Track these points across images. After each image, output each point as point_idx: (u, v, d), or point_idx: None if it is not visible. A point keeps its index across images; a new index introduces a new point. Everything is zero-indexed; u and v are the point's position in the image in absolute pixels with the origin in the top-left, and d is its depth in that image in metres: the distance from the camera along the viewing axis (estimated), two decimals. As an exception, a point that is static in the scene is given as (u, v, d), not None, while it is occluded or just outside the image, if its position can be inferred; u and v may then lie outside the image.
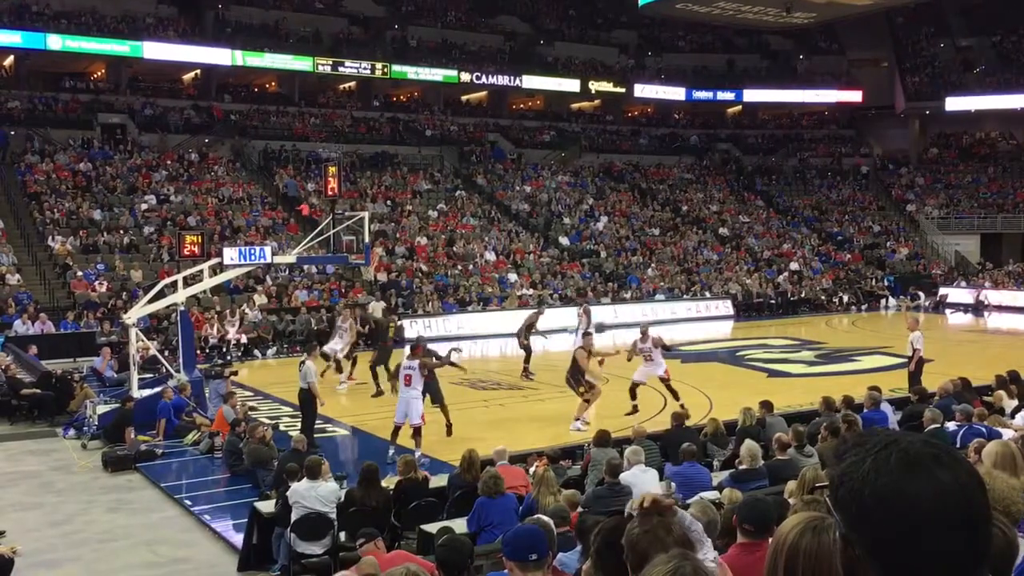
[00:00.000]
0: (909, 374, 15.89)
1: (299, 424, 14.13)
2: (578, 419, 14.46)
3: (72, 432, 15.07)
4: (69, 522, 10.69)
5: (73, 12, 35.48)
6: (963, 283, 38.12)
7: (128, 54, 35.60)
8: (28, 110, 34.07)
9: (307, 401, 13.79)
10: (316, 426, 15.31)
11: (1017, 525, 3.10)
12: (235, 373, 17.74)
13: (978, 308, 34.72)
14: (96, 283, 25.65)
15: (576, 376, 14.78)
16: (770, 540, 1.85)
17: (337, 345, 19.33)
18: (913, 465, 1.30)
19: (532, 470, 9.33)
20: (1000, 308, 34.45)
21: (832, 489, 1.36)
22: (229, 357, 22.10)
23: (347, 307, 22.72)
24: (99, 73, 38.40)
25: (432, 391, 14.12)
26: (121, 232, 28.37)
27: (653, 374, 15.40)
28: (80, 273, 25.97)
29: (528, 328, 20.15)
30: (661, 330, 27.97)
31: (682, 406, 13.82)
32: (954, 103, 47.02)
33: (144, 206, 30.14)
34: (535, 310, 21.87)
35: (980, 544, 1.30)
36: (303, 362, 14.12)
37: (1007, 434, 8.33)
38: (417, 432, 12.78)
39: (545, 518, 5.15)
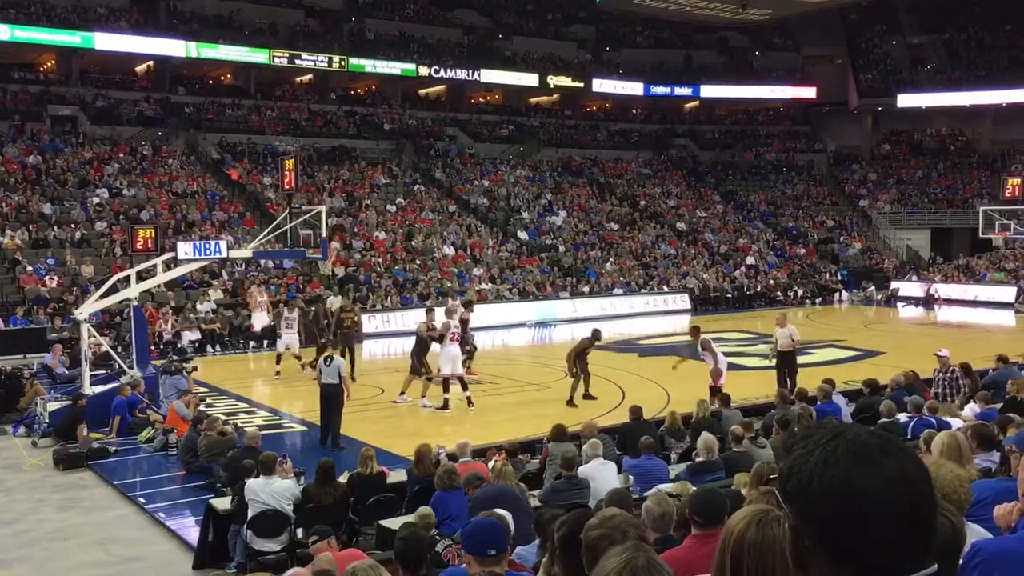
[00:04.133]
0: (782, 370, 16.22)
1: (252, 421, 13.98)
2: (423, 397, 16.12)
3: (22, 430, 14.81)
4: (19, 521, 10.49)
5: (22, 2, 34.65)
6: (914, 277, 38.85)
7: (79, 45, 34.88)
8: (-25, 102, 33.35)
9: (335, 397, 13.52)
10: (272, 421, 15.25)
11: (964, 514, 3.17)
12: (195, 369, 17.54)
13: (928, 302, 35.40)
14: (46, 278, 25.15)
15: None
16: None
17: (291, 339, 19.43)
18: (860, 456, 1.32)
19: (491, 464, 9.36)
20: (950, 302, 35.14)
21: (782, 481, 1.38)
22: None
23: (287, 302, 22.58)
24: (49, 64, 37.63)
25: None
26: (72, 226, 27.84)
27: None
28: (30, 268, 25.43)
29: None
30: (619, 324, 28.26)
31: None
32: (906, 100, 47.86)
33: (96, 200, 29.59)
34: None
35: (926, 533, 1.32)
36: (330, 357, 13.82)
37: (955, 424, 8.52)
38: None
39: (501, 512, 5.16)
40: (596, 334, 16.64)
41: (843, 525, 1.30)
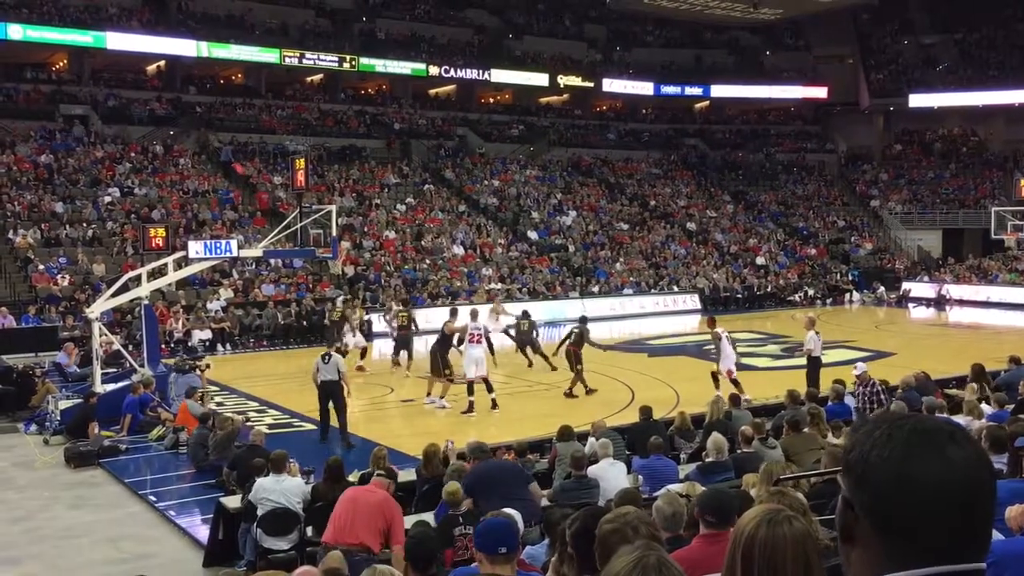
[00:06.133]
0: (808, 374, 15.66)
1: (263, 420, 13.99)
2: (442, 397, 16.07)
3: (34, 427, 14.86)
4: (30, 518, 10.54)
5: (35, 1, 34.84)
6: (925, 278, 38.67)
7: (91, 45, 35.05)
8: (-12, 101, 33.52)
9: (337, 393, 13.58)
10: (282, 421, 15.28)
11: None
12: (208, 366, 17.58)
13: (940, 302, 35.23)
14: (58, 277, 25.28)
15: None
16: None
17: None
18: (924, 436, 1.34)
19: (500, 464, 9.35)
20: (961, 302, 34.97)
21: (845, 452, 1.41)
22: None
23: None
24: (61, 64, 37.82)
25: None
26: (84, 225, 27.98)
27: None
28: (42, 267, 25.57)
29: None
30: (629, 324, 28.26)
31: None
32: (917, 100, 47.67)
33: (107, 199, 29.73)
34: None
35: (978, 523, 1.32)
36: (328, 354, 13.88)
37: (968, 425, 8.47)
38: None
39: (510, 511, 5.17)
40: (584, 320, 17.45)
41: (894, 499, 1.31)
